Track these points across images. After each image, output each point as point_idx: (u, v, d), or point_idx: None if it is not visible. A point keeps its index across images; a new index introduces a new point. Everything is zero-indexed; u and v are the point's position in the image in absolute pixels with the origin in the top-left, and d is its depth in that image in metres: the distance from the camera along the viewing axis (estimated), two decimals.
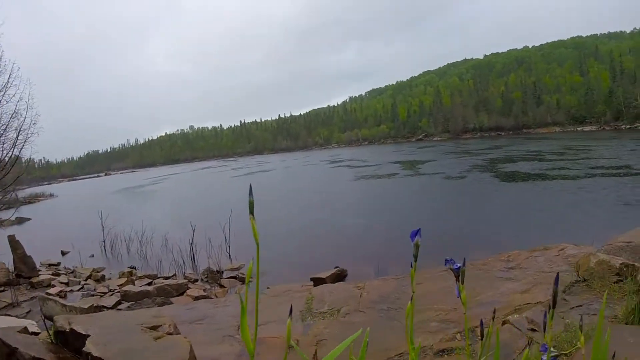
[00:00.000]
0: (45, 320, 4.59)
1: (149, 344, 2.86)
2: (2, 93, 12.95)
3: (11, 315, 8.54)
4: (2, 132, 13.11)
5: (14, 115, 13.20)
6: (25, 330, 4.65)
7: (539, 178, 22.96)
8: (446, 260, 1.51)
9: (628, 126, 69.58)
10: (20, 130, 13.24)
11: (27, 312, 9.35)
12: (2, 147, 13.20)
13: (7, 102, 13.08)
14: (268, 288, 9.03)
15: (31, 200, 48.70)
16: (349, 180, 34.75)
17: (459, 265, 1.39)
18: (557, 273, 1.16)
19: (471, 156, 42.53)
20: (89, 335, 3.09)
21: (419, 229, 1.26)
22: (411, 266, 1.37)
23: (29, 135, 13.39)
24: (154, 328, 3.24)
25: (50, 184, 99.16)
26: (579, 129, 77.35)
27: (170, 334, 3.15)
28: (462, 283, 1.41)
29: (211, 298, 9.50)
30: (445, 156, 47.07)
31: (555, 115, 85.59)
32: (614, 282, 4.64)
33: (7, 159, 13.46)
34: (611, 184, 18.93)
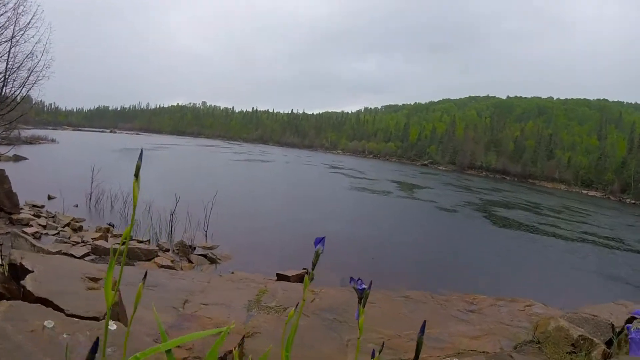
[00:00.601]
0: (3, 255, 4.72)
1: (80, 291, 2.97)
2: (22, 32, 13.18)
3: None
4: (15, 70, 13.32)
5: (29, 56, 13.45)
6: None
7: (529, 230, 22.97)
8: (351, 278, 1.57)
9: (633, 201, 68.90)
10: (32, 71, 13.48)
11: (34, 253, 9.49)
12: (13, 84, 13.43)
13: (25, 41, 13.31)
14: (232, 272, 9.17)
15: (32, 141, 48.74)
16: (343, 187, 34.93)
17: (364, 286, 1.44)
18: (424, 321, 1.20)
19: (470, 193, 42.59)
20: (32, 272, 3.23)
21: (324, 237, 1.37)
22: (307, 273, 1.45)
23: (39, 78, 13.62)
24: (95, 280, 3.35)
25: (55, 129, 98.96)
26: (584, 191, 76.80)
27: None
28: (363, 306, 1.46)
29: (176, 270, 9.62)
30: (445, 187, 47.13)
31: (563, 173, 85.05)
32: (567, 352, 4.56)
33: (14, 96, 13.69)
34: (599, 253, 18.97)
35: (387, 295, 7.09)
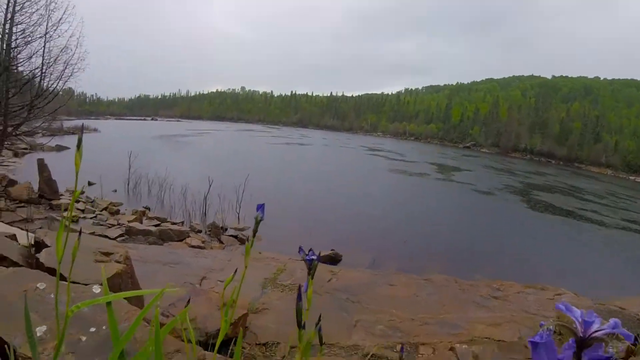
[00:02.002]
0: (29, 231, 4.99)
1: (88, 263, 3.10)
2: (55, 28, 13.74)
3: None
4: (51, 64, 13.92)
5: (63, 50, 14.04)
6: (13, 237, 5.07)
7: (570, 216, 22.12)
8: (300, 248, 1.56)
9: None
10: (67, 64, 14.09)
11: (39, 229, 10.02)
12: (50, 77, 14.06)
13: (59, 36, 13.88)
14: (260, 253, 9.31)
15: (75, 131, 50.30)
16: (380, 170, 34.71)
17: (312, 257, 1.42)
18: (299, 286, 1.17)
19: (511, 176, 41.32)
20: (49, 247, 3.43)
21: (264, 204, 1.37)
22: (247, 241, 1.47)
23: (75, 70, 14.22)
24: (106, 254, 3.48)
25: (98, 119, 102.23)
26: (631, 177, 72.30)
27: (119, 262, 3.38)
28: (312, 278, 1.45)
29: (205, 250, 9.89)
30: (485, 170, 45.98)
31: (610, 157, 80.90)
32: None
33: (51, 89, 14.33)
34: None
35: (409, 278, 7.04)
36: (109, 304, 1.33)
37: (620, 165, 78.86)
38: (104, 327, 1.82)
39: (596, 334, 0.63)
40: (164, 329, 1.29)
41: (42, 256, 3.21)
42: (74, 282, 2.58)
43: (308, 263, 1.37)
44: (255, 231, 1.40)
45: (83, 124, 1.20)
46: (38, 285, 2.22)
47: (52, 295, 2.13)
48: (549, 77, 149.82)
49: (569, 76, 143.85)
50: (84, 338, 1.82)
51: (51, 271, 2.77)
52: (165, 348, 1.84)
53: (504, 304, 6.05)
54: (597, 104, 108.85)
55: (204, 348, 2.59)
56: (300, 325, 1.19)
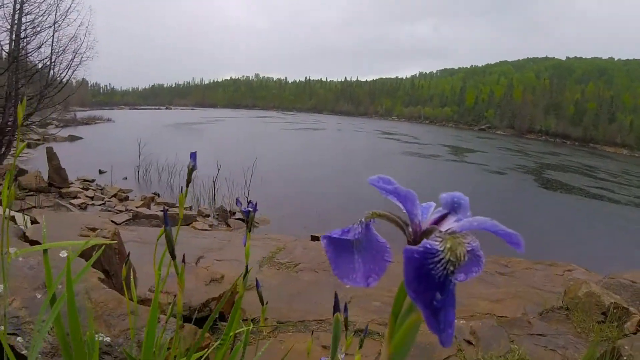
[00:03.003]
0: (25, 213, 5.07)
1: (70, 237, 3.11)
2: (64, 17, 13.78)
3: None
4: (60, 53, 13.99)
5: (72, 39, 14.10)
6: (13, 218, 5.17)
7: (582, 194, 21.93)
8: (237, 200, 1.51)
9: None
10: (76, 53, 14.16)
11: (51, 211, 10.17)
12: (59, 67, 14.15)
13: (67, 25, 13.93)
14: (266, 235, 9.30)
15: (89, 121, 50.75)
16: (393, 153, 34.59)
17: (248, 209, 1.37)
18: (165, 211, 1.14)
19: (525, 156, 40.88)
20: (38, 223, 3.47)
21: (195, 152, 1.32)
22: (181, 191, 1.41)
23: (84, 59, 14.30)
24: (93, 229, 3.49)
25: (112, 109, 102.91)
26: None
27: (106, 237, 3.38)
28: (249, 230, 1.40)
29: (213, 231, 9.94)
30: (499, 150, 45.49)
31: (625, 137, 79.94)
32: (597, 322, 4.11)
33: (60, 78, 14.42)
34: None
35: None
36: (45, 251, 1.42)
37: (635, 144, 78.06)
38: (59, 287, 1.86)
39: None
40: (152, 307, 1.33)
41: (29, 231, 3.24)
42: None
43: (245, 215, 1.32)
44: (188, 181, 1.35)
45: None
46: (10, 249, 2.30)
47: (21, 259, 2.17)
48: (563, 58, 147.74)
49: (583, 57, 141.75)
50: (39, 295, 1.86)
51: (34, 243, 2.81)
52: (143, 320, 1.90)
53: (509, 279, 5.94)
54: (612, 84, 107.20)
55: (187, 322, 2.58)
56: (173, 256, 1.15)
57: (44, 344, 1.65)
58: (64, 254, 2.26)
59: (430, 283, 0.40)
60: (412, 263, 0.40)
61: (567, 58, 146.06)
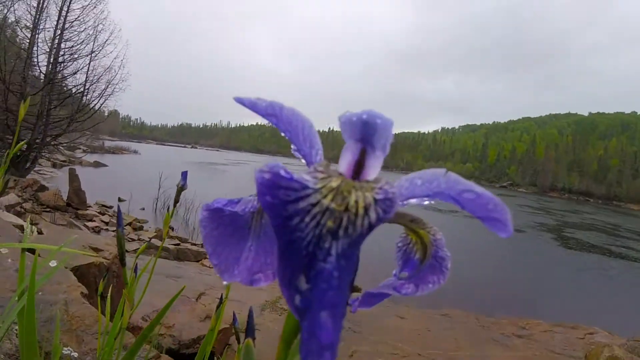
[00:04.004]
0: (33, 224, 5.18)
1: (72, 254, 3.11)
2: (101, 48, 14.52)
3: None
4: (94, 81, 14.64)
5: (107, 69, 14.79)
6: (21, 227, 5.25)
7: (604, 253, 21.22)
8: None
9: None
10: (109, 83, 14.80)
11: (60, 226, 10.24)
12: (92, 94, 14.76)
13: (104, 56, 14.66)
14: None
15: (115, 151, 52.13)
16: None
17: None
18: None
19: (546, 214, 40.13)
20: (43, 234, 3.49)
21: (186, 171, 1.28)
22: (167, 211, 1.36)
23: (116, 90, 14.93)
24: (96, 250, 3.47)
25: (140, 142, 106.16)
26: None
27: (107, 259, 3.35)
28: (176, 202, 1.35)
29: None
30: (520, 208, 44.73)
31: None
32: None
33: (92, 105, 14.99)
34: None
35: (423, 311, 6.66)
36: (23, 250, 1.40)
37: None
38: (40, 293, 1.86)
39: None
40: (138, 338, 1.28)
41: (30, 239, 3.25)
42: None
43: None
44: (176, 200, 1.32)
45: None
46: (1, 249, 2.34)
47: (10, 260, 2.30)
48: (586, 114, 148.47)
49: (606, 112, 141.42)
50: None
51: (31, 251, 2.84)
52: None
53: (527, 342, 5.64)
54: (635, 139, 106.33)
55: (174, 357, 2.48)
56: (123, 263, 1.08)
57: (9, 345, 1.60)
58: (53, 263, 2.23)
59: (291, 251, 0.23)
60: (266, 203, 0.25)
61: (590, 113, 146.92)
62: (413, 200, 0.35)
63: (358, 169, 0.31)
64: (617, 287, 14.90)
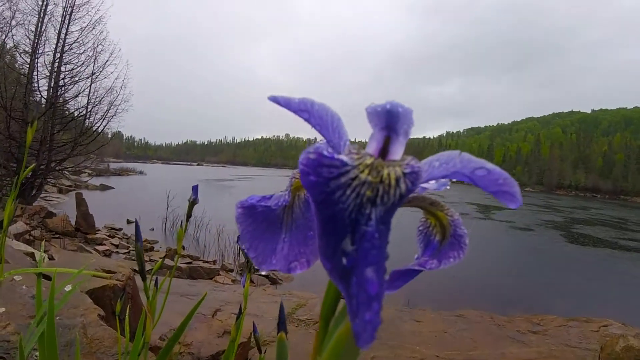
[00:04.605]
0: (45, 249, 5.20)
1: (85, 277, 3.10)
2: (102, 69, 14.49)
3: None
4: (97, 104, 14.61)
5: (109, 91, 14.75)
6: (32, 254, 5.24)
7: (613, 247, 21.18)
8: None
9: None
10: (111, 105, 14.76)
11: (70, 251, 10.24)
12: (94, 117, 14.72)
13: (105, 77, 14.62)
14: (289, 292, 9.06)
15: (121, 172, 52.24)
16: (417, 211, 33.96)
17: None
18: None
19: (553, 212, 40.09)
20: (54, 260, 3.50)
21: (197, 185, 1.29)
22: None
23: (119, 111, 14.88)
24: (109, 272, 3.47)
25: (145, 162, 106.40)
26: None
27: (120, 280, 3.35)
28: (249, 272, 1.35)
29: (233, 285, 9.78)
30: (526, 207, 44.53)
31: None
32: None
33: (95, 127, 14.98)
34: None
35: (439, 314, 6.63)
36: (39, 276, 1.42)
37: None
38: (57, 318, 1.86)
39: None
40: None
41: (43, 265, 3.27)
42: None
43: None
44: (188, 215, 1.32)
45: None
46: (15, 277, 2.40)
47: (25, 287, 2.29)
48: (589, 111, 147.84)
49: (609, 109, 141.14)
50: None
51: (45, 276, 2.83)
52: None
53: (542, 338, 5.60)
54: (639, 133, 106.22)
55: None
56: (143, 277, 1.09)
57: None
58: (68, 287, 2.25)
59: (335, 221, 0.26)
60: (309, 183, 0.28)
61: (593, 111, 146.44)
62: (432, 182, 0.41)
63: (385, 151, 0.33)
64: (627, 279, 14.85)
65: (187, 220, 1.27)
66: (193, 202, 1.25)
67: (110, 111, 14.86)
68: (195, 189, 1.24)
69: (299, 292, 7.84)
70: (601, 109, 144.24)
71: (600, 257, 18.76)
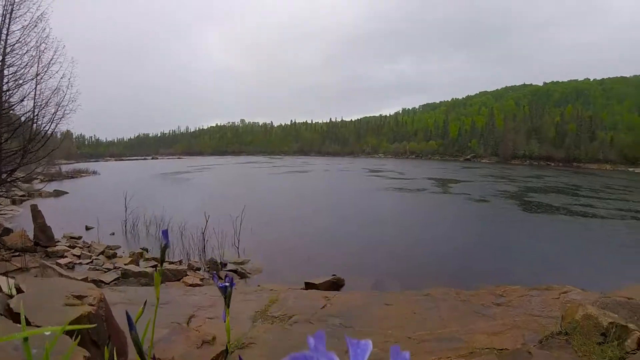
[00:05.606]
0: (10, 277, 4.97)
1: (56, 307, 3.03)
2: (46, 69, 13.72)
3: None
4: (43, 106, 13.88)
5: (55, 91, 14.00)
6: None
7: (569, 213, 22.03)
8: (213, 275, 1.47)
9: None
10: (59, 106, 14.03)
11: (34, 277, 9.90)
12: (42, 120, 14.00)
13: (50, 77, 13.85)
14: (259, 286, 9.12)
15: (74, 175, 50.22)
16: (379, 190, 34.40)
17: (225, 284, 1.33)
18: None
19: (509, 182, 41.45)
20: (22, 292, 3.37)
21: (167, 229, 1.32)
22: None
23: (67, 112, 14.15)
24: (80, 297, 3.41)
25: (97, 161, 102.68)
26: (630, 169, 73.00)
27: (92, 305, 3.30)
28: (228, 306, 1.34)
29: (198, 287, 9.73)
30: (483, 178, 45.98)
31: (607, 153, 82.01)
32: (597, 343, 4.01)
33: (44, 132, 14.26)
34: None
35: (407, 295, 6.87)
36: (25, 339, 1.41)
37: (617, 158, 79.94)
38: None
39: None
40: None
41: (13, 302, 3.16)
42: (33, 325, 2.54)
43: (223, 291, 1.29)
44: (162, 260, 1.34)
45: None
46: None
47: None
48: (541, 84, 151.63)
49: (560, 81, 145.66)
50: None
51: (16, 316, 2.76)
52: None
53: (506, 310, 5.89)
54: (590, 104, 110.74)
55: None
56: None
57: None
58: (48, 332, 2.23)
59: None
60: None
61: (545, 83, 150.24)
62: None
63: None
64: (584, 244, 15.49)
65: (161, 264, 1.30)
66: (165, 247, 1.29)
67: (58, 113, 14.04)
68: (165, 233, 1.28)
69: (269, 285, 7.93)
70: (553, 82, 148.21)
71: (556, 224, 19.60)
